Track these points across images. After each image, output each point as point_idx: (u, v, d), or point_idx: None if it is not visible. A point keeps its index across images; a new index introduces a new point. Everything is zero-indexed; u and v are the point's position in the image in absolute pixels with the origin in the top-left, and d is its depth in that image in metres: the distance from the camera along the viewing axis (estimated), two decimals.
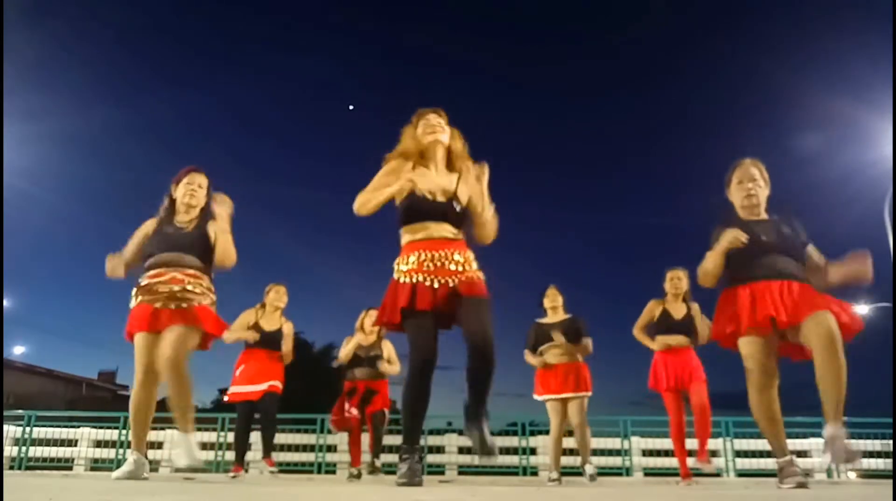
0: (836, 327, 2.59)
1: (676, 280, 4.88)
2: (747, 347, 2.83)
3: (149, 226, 3.31)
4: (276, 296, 5.16)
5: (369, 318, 5.38)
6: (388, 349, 5.40)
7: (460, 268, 2.56)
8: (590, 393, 4.95)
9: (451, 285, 2.54)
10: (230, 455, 6.42)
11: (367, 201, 2.63)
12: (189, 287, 3.09)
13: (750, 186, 2.95)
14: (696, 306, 4.85)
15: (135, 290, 3.18)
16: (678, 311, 4.85)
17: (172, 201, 3.32)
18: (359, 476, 5.22)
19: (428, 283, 2.52)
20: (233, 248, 3.24)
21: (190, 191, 3.27)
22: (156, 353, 3.04)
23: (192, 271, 3.13)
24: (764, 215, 2.99)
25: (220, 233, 3.22)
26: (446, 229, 2.62)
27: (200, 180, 3.32)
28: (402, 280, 2.56)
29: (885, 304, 14.46)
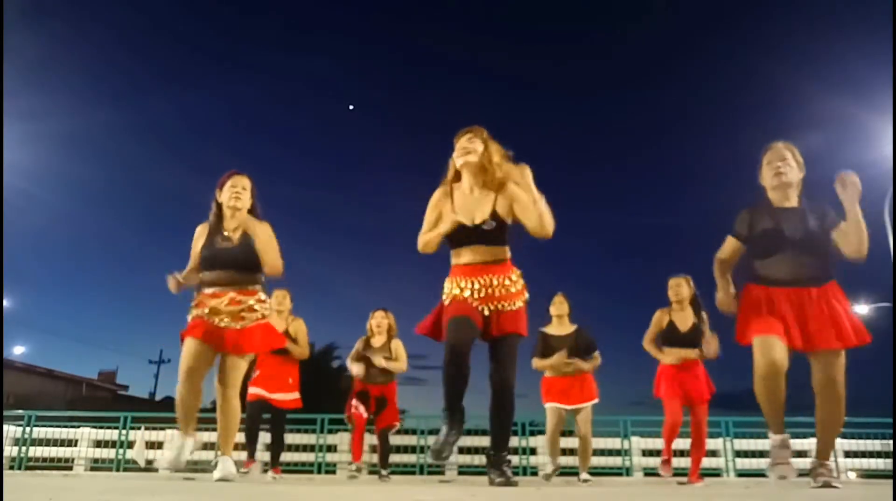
0: (841, 372, 2.66)
1: (676, 288, 4.80)
2: (758, 346, 2.76)
3: (200, 233, 3.36)
4: (277, 301, 5.15)
5: (375, 319, 5.39)
6: (395, 347, 5.35)
7: (501, 292, 2.69)
8: (596, 400, 4.98)
9: (493, 310, 2.69)
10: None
11: (428, 243, 2.81)
12: (251, 303, 3.21)
13: (779, 165, 2.89)
14: (704, 316, 4.76)
15: (194, 303, 3.25)
16: (684, 322, 4.75)
17: (219, 206, 3.34)
18: (358, 471, 5.24)
19: (475, 305, 2.68)
20: (279, 257, 3.29)
21: (234, 194, 3.27)
22: (203, 362, 3.15)
23: (250, 289, 3.23)
24: (794, 201, 2.91)
25: (268, 239, 3.27)
26: (483, 253, 2.72)
27: (244, 183, 3.33)
28: (447, 302, 2.74)
29: (885, 304, 14.46)
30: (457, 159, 2.81)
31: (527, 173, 2.71)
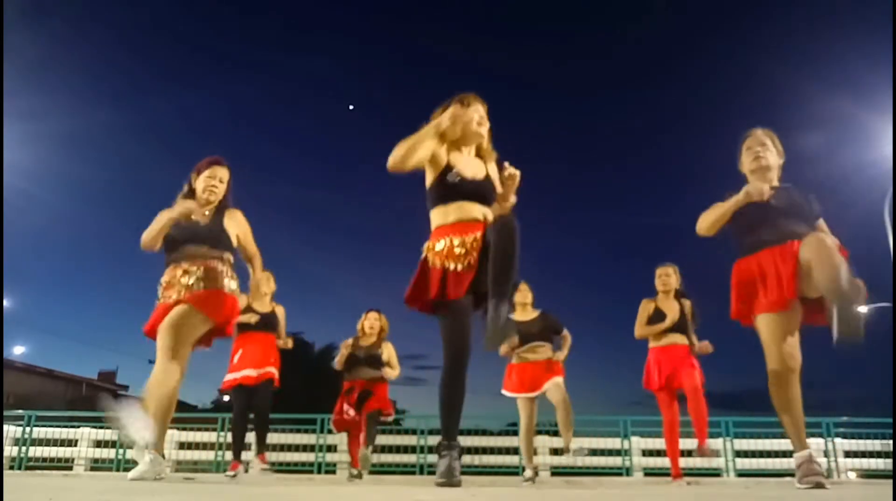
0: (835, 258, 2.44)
1: (665, 277, 4.86)
2: (763, 326, 2.72)
3: (166, 214, 3.16)
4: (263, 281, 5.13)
5: (368, 320, 5.38)
6: (388, 351, 5.35)
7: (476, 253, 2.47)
8: (561, 376, 4.94)
9: (478, 265, 2.45)
10: (230, 456, 6.42)
11: (405, 157, 2.48)
12: (203, 273, 3.02)
13: (758, 149, 2.90)
14: (687, 304, 4.80)
15: (160, 288, 3.11)
16: (670, 310, 4.81)
17: (192, 191, 3.25)
18: (359, 476, 5.20)
19: (460, 269, 2.45)
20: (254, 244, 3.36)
21: (210, 186, 3.20)
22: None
23: (212, 262, 3.07)
24: (775, 183, 2.91)
25: (247, 229, 3.32)
26: (478, 210, 2.58)
27: (222, 174, 3.25)
28: (432, 263, 2.51)
29: (885, 304, 14.46)
30: (475, 126, 2.68)
31: (517, 180, 2.66)
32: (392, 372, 5.28)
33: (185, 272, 3.03)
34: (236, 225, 3.26)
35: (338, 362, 5.37)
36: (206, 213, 3.22)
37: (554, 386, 4.88)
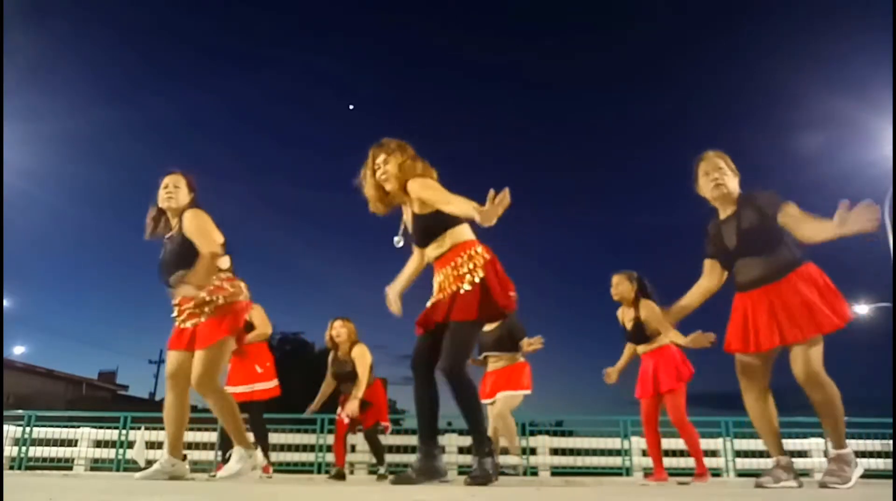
0: (808, 362, 2.63)
1: (613, 288, 4.83)
2: (739, 362, 2.89)
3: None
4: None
5: (333, 330, 5.28)
6: (354, 356, 5.17)
7: (446, 286, 2.66)
8: (501, 395, 5.07)
9: (441, 303, 2.66)
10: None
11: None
12: (202, 297, 3.07)
13: (716, 176, 2.90)
14: (645, 305, 4.68)
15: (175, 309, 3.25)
16: (627, 318, 4.84)
17: (159, 211, 3.27)
18: (339, 476, 5.18)
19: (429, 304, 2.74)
20: (211, 241, 3.09)
21: (166, 195, 3.22)
22: (182, 369, 3.11)
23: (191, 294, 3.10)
24: (732, 209, 2.91)
25: (195, 228, 3.10)
26: (430, 251, 2.75)
27: (176, 181, 3.24)
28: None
29: (885, 304, 14.46)
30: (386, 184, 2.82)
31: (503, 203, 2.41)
32: (360, 387, 5.03)
33: (180, 312, 3.15)
34: (186, 229, 3.12)
35: (315, 404, 5.36)
36: (173, 226, 3.23)
37: (501, 399, 5.02)
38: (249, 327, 4.98)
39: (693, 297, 3.08)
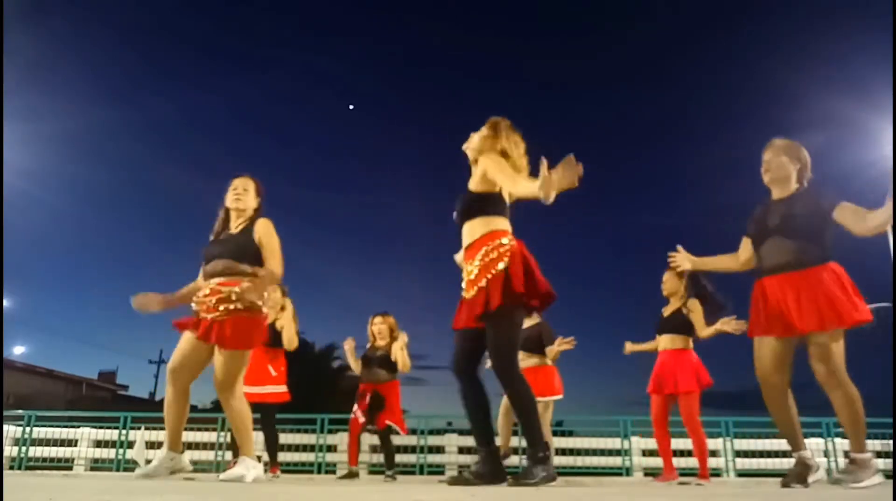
0: (830, 356, 2.63)
1: (663, 284, 4.90)
2: (757, 348, 2.88)
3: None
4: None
5: (374, 326, 5.39)
6: (394, 350, 5.29)
7: (472, 276, 2.64)
8: (550, 398, 5.16)
9: (471, 301, 2.64)
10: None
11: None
12: (228, 294, 3.05)
13: (763, 167, 3.02)
14: (693, 304, 4.74)
15: (198, 295, 3.21)
16: (668, 309, 4.87)
17: (227, 211, 3.34)
18: (351, 475, 5.20)
19: (464, 295, 2.71)
20: (279, 261, 3.20)
21: (234, 196, 3.29)
22: (190, 359, 3.10)
23: (234, 280, 3.08)
24: (790, 191, 2.95)
25: (270, 239, 3.20)
26: (464, 233, 2.75)
27: (245, 184, 3.33)
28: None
29: (885, 304, 14.45)
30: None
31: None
32: (402, 367, 5.28)
33: (213, 295, 3.09)
34: (259, 235, 3.21)
35: (354, 367, 5.42)
36: (238, 225, 3.27)
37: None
38: (278, 334, 5.10)
39: (716, 260, 3.23)
